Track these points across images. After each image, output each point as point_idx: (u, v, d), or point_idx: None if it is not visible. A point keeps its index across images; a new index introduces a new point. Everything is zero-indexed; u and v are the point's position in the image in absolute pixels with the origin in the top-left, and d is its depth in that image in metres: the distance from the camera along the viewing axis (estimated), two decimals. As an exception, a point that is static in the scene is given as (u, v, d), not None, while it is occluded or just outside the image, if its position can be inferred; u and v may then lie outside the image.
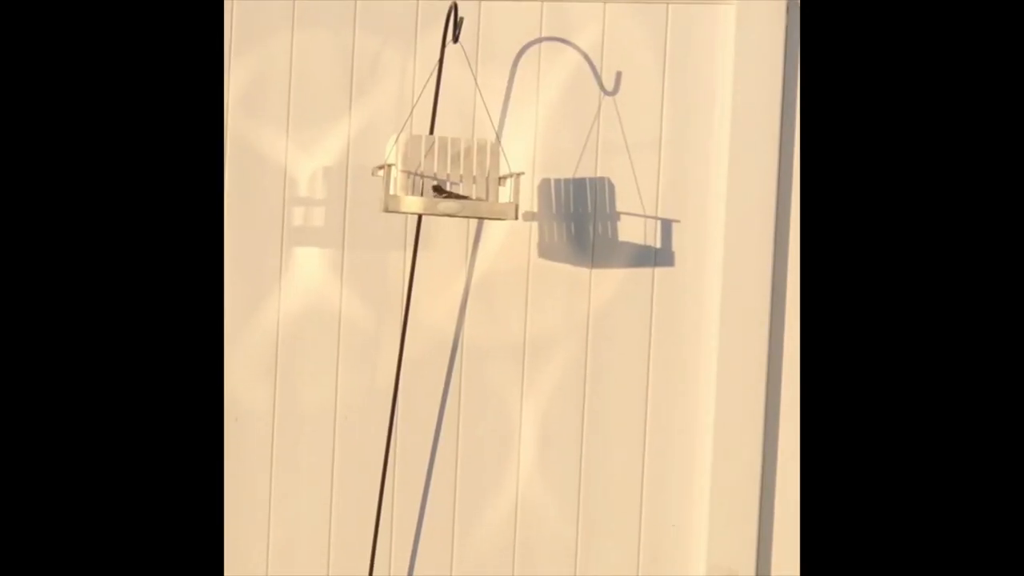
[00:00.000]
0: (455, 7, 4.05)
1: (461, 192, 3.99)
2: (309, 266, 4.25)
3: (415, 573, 4.31)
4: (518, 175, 4.01)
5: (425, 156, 4.00)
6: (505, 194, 4.04)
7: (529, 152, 4.31)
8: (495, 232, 4.31)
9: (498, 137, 4.22)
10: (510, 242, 4.31)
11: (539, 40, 4.31)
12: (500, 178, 4.04)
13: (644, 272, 4.36)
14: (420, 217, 4.22)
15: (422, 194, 3.98)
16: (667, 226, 4.36)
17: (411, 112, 4.18)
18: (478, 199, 4.00)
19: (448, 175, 4.01)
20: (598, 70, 4.34)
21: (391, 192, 3.96)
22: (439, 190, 3.96)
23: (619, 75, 4.35)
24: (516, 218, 3.98)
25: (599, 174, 4.34)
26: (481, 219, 4.25)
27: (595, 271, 4.34)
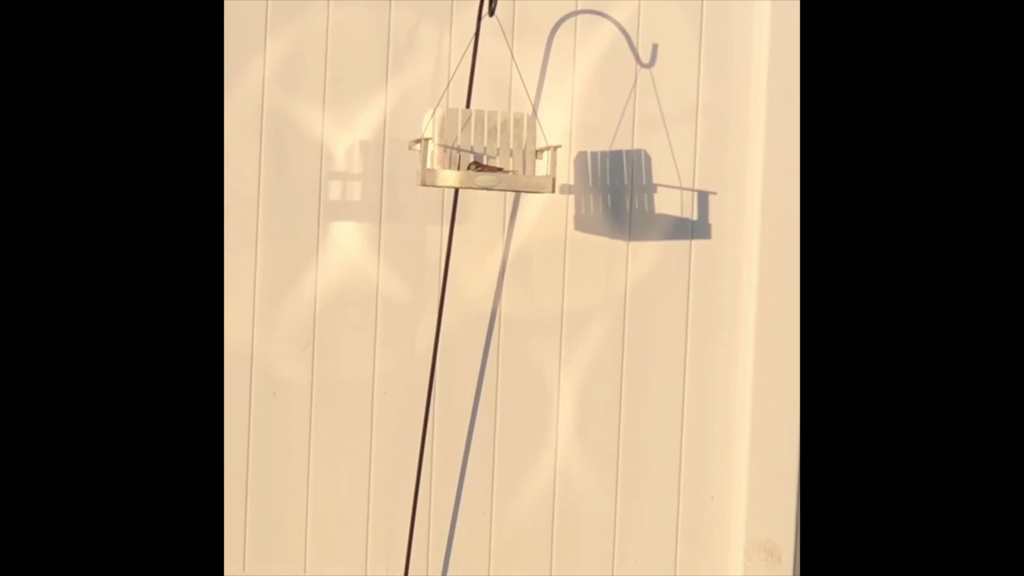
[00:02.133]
0: (491, -20, 4.05)
1: (498, 166, 3.99)
2: (346, 240, 4.25)
3: (454, 544, 4.32)
4: (555, 148, 4.00)
5: (462, 130, 4.00)
6: (542, 167, 4.04)
7: (565, 125, 4.30)
8: (532, 205, 4.31)
9: (534, 110, 4.22)
10: (547, 215, 4.31)
11: (575, 13, 4.31)
12: (537, 151, 4.04)
13: (681, 244, 4.35)
14: (457, 191, 4.22)
15: (459, 168, 3.98)
16: (704, 198, 4.35)
17: (447, 86, 4.18)
18: (515, 172, 4.00)
19: (485, 148, 4.01)
20: (634, 42, 4.33)
21: (428, 166, 3.96)
22: (477, 165, 3.96)
23: (655, 47, 4.34)
24: (553, 191, 3.97)
25: (635, 146, 4.33)
26: (518, 192, 4.25)
27: (632, 244, 4.34)
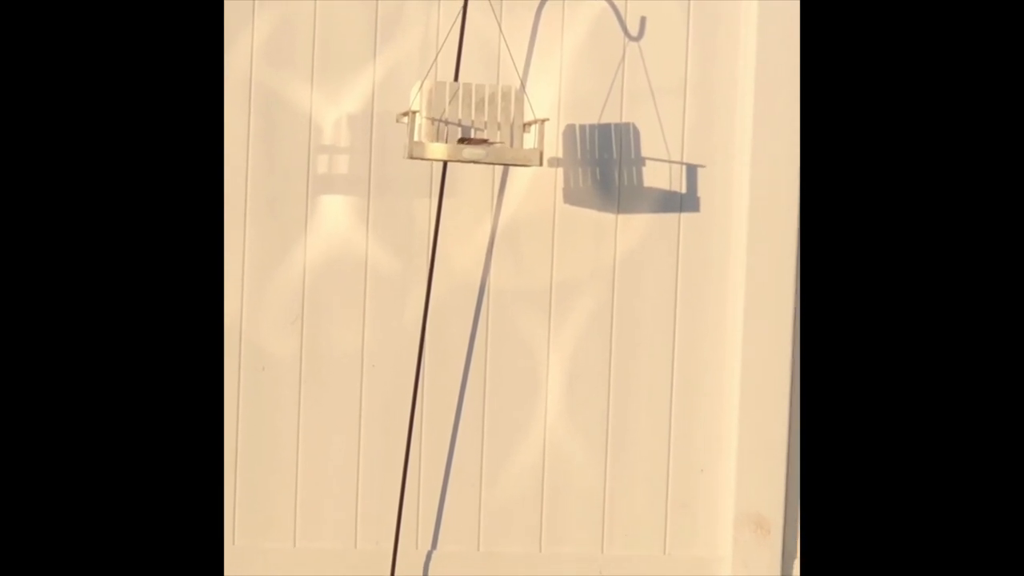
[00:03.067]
0: (479, -48, 4.05)
1: (486, 138, 3.98)
2: (335, 214, 4.25)
3: (443, 518, 4.33)
4: (543, 121, 4.00)
5: (450, 103, 3.99)
6: (530, 140, 4.03)
7: (554, 98, 4.29)
8: (520, 178, 4.30)
9: (523, 83, 4.21)
10: (535, 188, 4.30)
11: (563, -15, 4.31)
12: (525, 124, 4.04)
13: (670, 217, 4.35)
14: (445, 164, 4.21)
15: (447, 141, 3.98)
16: (692, 171, 4.35)
17: (435, 59, 4.17)
18: (503, 145, 3.99)
19: (473, 121, 4.00)
20: (622, 15, 4.32)
21: (416, 139, 3.96)
22: (465, 139, 3.95)
23: (643, 20, 4.33)
24: (541, 164, 3.97)
25: (624, 120, 4.33)
26: (506, 165, 4.24)
27: (621, 217, 4.34)
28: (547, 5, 4.29)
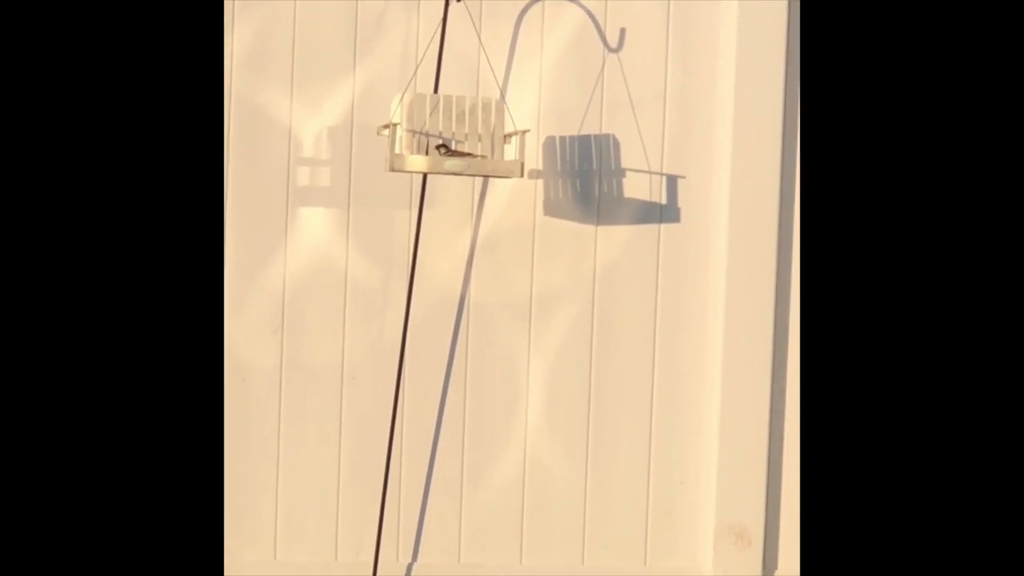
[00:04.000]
0: (458, -36, 4.05)
1: (466, 150, 3.98)
2: (315, 226, 4.25)
3: (424, 530, 4.32)
4: (523, 133, 4.00)
5: (430, 115, 3.99)
6: (510, 152, 4.04)
7: (534, 109, 4.30)
8: (500, 190, 4.31)
9: (503, 95, 4.21)
10: (515, 200, 4.31)
11: (543, -3, 4.31)
12: (505, 136, 4.04)
13: (650, 228, 4.36)
14: (425, 176, 4.21)
15: (427, 153, 3.98)
16: (672, 182, 4.35)
17: (415, 71, 4.17)
18: (483, 157, 4.00)
19: (453, 133, 4.00)
20: (602, 26, 4.33)
21: (396, 151, 3.96)
22: (445, 148, 3.95)
23: (623, 31, 4.34)
24: (521, 176, 3.98)
25: (604, 131, 4.33)
26: (486, 177, 4.24)
27: (601, 228, 4.34)
28: (526, 17, 4.30)
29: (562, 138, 4.31)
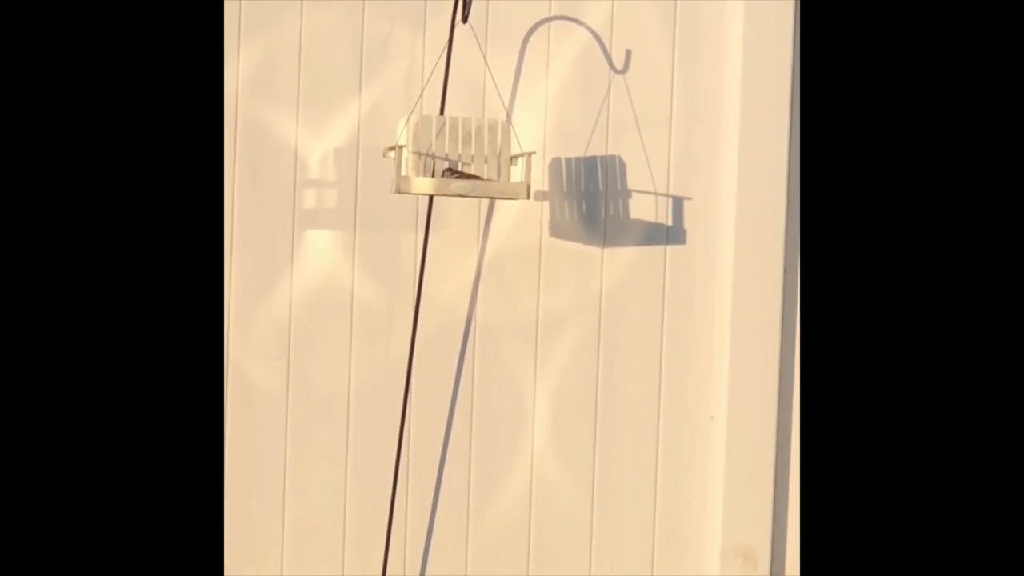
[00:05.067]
0: (464, -13, 4.05)
1: (472, 172, 3.99)
2: (321, 248, 4.25)
3: (430, 552, 4.32)
4: (529, 154, 4.00)
5: (436, 137, 3.99)
6: (516, 173, 4.04)
7: (540, 131, 4.30)
8: (506, 212, 4.31)
9: (509, 116, 4.21)
10: (521, 221, 4.31)
11: (548, 19, 4.31)
12: (511, 157, 4.04)
13: (656, 250, 4.36)
14: (431, 198, 4.21)
15: (433, 175, 3.98)
16: (678, 204, 4.35)
17: (421, 93, 4.18)
18: (489, 179, 4.00)
19: (459, 155, 4.01)
20: (608, 48, 4.33)
21: (402, 173, 3.96)
22: (451, 171, 3.95)
23: (629, 53, 4.34)
24: (528, 197, 3.98)
25: (610, 152, 4.34)
26: (492, 199, 4.25)
27: (607, 250, 4.34)
28: (532, 38, 4.30)
29: (568, 160, 4.31)
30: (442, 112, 4.17)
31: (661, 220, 4.36)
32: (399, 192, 3.93)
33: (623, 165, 4.33)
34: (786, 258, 4.29)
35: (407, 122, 4.00)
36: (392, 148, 4.00)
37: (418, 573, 4.32)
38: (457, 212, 4.28)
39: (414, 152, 3.98)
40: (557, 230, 4.32)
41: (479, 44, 4.17)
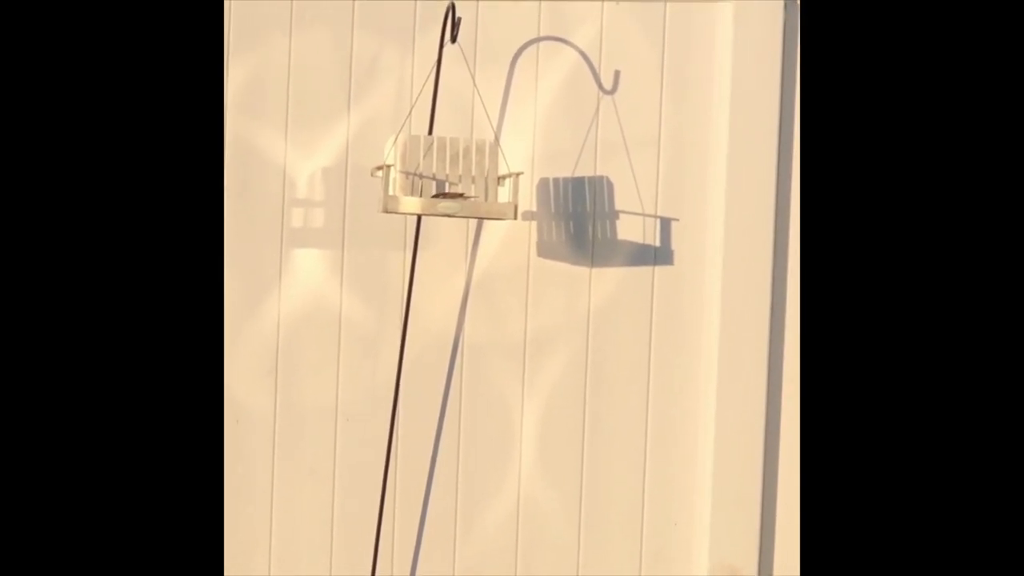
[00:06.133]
0: (453, 7, 4.05)
1: (460, 192, 3.99)
2: (309, 267, 4.25)
3: (417, 571, 4.32)
4: (517, 175, 4.01)
5: (424, 156, 4.00)
6: (504, 194, 4.04)
7: (528, 151, 4.31)
8: (494, 232, 4.31)
9: (497, 137, 4.22)
10: (509, 241, 4.31)
11: (537, 39, 4.31)
12: (499, 178, 4.04)
13: (644, 271, 4.36)
14: (419, 217, 4.22)
15: (421, 194, 3.98)
16: (666, 224, 4.36)
17: (410, 112, 4.18)
18: (477, 199, 4.00)
19: (447, 175, 4.01)
20: (596, 69, 4.34)
21: (390, 193, 3.96)
22: (440, 194, 3.96)
23: (617, 74, 4.35)
24: (515, 218, 3.98)
25: (598, 173, 4.34)
26: (480, 219, 4.25)
27: (595, 270, 4.35)
28: (520, 59, 4.31)
29: (556, 180, 4.32)
30: (430, 132, 4.17)
31: (649, 241, 4.36)
32: (387, 211, 3.93)
33: (611, 186, 4.34)
34: (774, 278, 4.30)
35: (395, 142, 4.00)
36: (380, 167, 4.00)
37: (405, 593, 4.32)
38: (445, 232, 4.29)
39: (402, 172, 3.99)
40: (545, 250, 4.33)
41: (468, 64, 4.18)
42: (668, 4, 4.35)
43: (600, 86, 4.34)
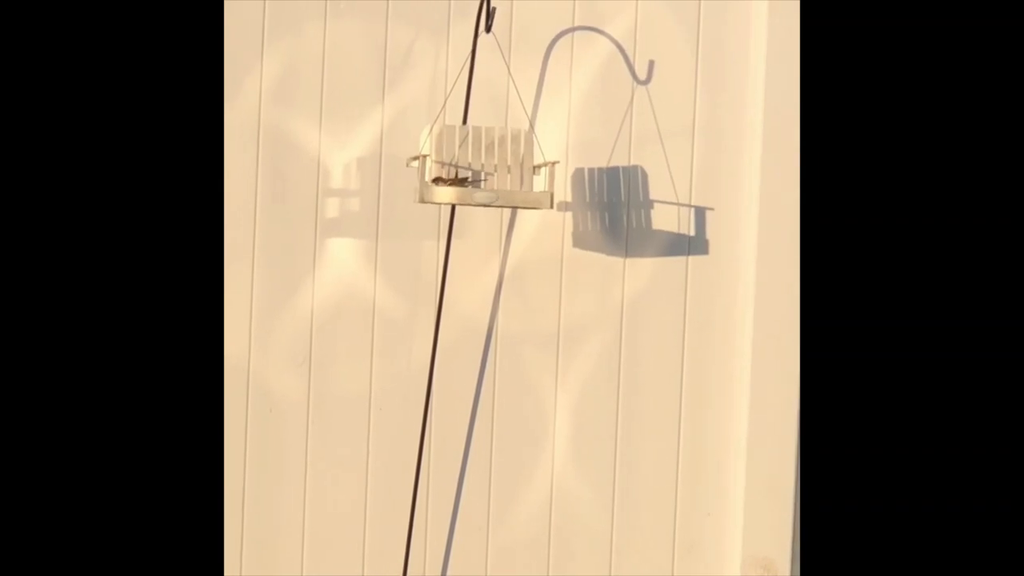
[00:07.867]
0: (487, -3, 4.05)
1: (495, 182, 3.99)
2: (343, 257, 4.25)
3: (450, 561, 4.32)
4: (552, 164, 4.00)
5: (459, 146, 3.99)
6: (539, 183, 4.04)
7: (562, 141, 4.30)
8: (528, 221, 4.31)
9: (531, 126, 4.22)
10: (544, 231, 4.31)
11: (572, 29, 4.31)
12: (534, 167, 4.04)
13: (678, 261, 4.36)
14: (454, 207, 4.22)
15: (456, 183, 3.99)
16: (701, 214, 4.35)
17: (444, 102, 4.18)
18: (512, 189, 4.00)
19: (482, 165, 4.01)
20: (631, 59, 4.33)
21: (425, 182, 3.96)
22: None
23: (652, 63, 4.34)
24: (551, 207, 3.97)
25: (632, 163, 4.34)
26: (515, 208, 4.25)
27: (629, 260, 4.34)
28: (555, 48, 4.31)
29: (591, 170, 4.32)
30: (465, 121, 4.17)
31: (683, 231, 4.36)
32: (423, 201, 3.93)
33: (645, 175, 4.33)
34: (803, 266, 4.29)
35: (430, 131, 4.00)
36: (415, 157, 4.01)
37: (438, 582, 4.32)
38: (479, 221, 4.29)
39: (437, 161, 3.98)
40: (579, 240, 4.32)
41: (502, 53, 4.18)
42: (703, -6, 4.36)
43: (635, 76, 4.34)
